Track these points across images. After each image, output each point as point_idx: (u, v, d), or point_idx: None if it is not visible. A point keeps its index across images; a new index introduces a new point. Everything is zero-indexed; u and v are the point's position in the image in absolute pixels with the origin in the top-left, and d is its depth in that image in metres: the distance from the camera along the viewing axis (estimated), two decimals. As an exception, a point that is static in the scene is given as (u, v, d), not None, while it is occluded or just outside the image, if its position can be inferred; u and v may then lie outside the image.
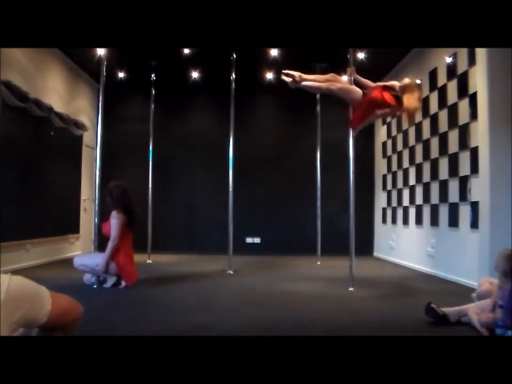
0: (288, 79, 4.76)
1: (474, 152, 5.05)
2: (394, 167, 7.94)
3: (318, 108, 7.73)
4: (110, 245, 4.74)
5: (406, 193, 7.30)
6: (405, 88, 4.61)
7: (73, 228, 7.98)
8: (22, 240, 6.12)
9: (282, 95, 7.37)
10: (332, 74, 4.90)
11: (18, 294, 1.19)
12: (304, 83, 4.76)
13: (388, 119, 8.21)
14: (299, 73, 4.74)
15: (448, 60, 5.77)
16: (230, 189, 6.41)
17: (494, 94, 4.66)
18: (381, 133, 8.71)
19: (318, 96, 7.58)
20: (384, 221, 8.49)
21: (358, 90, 4.84)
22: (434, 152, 6.17)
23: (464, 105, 5.37)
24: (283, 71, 4.80)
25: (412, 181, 7.02)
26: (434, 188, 6.17)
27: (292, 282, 5.33)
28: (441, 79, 5.99)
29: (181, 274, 5.88)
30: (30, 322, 1.24)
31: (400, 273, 6.41)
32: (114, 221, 4.76)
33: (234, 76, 6.56)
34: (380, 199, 8.75)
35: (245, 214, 8.31)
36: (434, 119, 6.21)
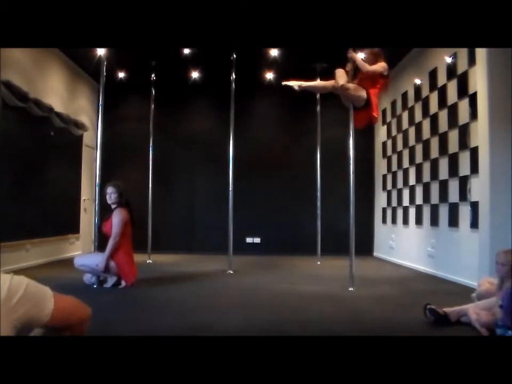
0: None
1: (474, 152, 5.05)
2: (394, 167, 7.94)
3: (318, 108, 7.73)
4: (111, 242, 4.74)
5: (406, 193, 7.30)
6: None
7: (73, 227, 7.98)
8: (22, 240, 6.12)
9: (282, 95, 7.36)
10: (338, 69, 4.98)
11: (19, 293, 1.20)
12: (306, 84, 5.02)
13: (388, 119, 8.22)
14: (299, 83, 4.97)
15: (448, 60, 5.77)
16: (230, 189, 6.41)
17: (494, 94, 4.66)
18: (381, 133, 8.71)
19: (318, 96, 7.59)
20: (384, 221, 8.49)
21: (363, 90, 4.85)
22: (434, 152, 6.17)
23: (464, 105, 5.37)
24: (283, 83, 5.06)
25: (412, 181, 7.02)
26: (434, 188, 6.17)
27: (292, 282, 5.33)
28: (441, 79, 5.99)
29: (181, 274, 5.88)
30: (31, 321, 1.26)
31: (400, 273, 6.41)
32: (118, 219, 4.76)
33: (234, 76, 6.56)
34: (380, 199, 8.75)
35: (245, 214, 8.31)
36: (434, 119, 6.20)
